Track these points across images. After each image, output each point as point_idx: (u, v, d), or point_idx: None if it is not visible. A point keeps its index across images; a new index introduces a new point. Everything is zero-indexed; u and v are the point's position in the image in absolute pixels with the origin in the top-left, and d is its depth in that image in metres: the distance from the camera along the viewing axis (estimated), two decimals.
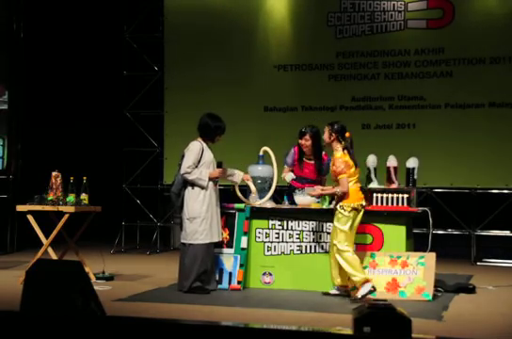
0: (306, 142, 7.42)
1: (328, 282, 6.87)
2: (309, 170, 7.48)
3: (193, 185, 6.93)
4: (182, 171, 6.93)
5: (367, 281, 6.57)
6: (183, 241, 7.00)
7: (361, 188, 6.84)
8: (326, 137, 6.80)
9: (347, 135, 6.74)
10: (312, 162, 7.50)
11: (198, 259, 6.86)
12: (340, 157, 6.66)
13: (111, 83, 11.32)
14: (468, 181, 9.58)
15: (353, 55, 10.09)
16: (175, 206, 7.15)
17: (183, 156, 7.07)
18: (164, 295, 6.84)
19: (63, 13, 11.43)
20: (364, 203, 6.74)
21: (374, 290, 6.55)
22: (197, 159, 6.93)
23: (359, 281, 6.57)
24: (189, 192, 6.94)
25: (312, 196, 7.00)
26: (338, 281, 6.76)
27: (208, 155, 7.02)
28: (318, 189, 6.92)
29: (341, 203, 6.66)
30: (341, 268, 6.66)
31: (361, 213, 6.71)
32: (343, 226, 6.62)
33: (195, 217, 6.89)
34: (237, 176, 7.23)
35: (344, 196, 6.65)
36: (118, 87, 10.99)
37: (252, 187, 7.29)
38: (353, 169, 6.70)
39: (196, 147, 7.00)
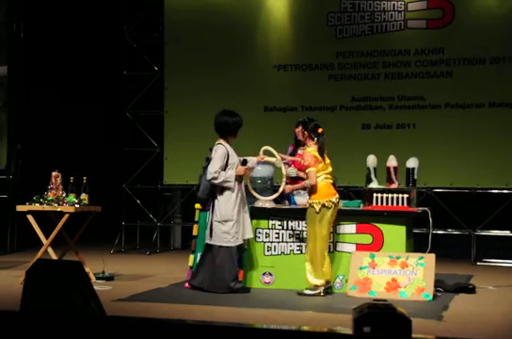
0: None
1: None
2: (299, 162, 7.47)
3: (222, 188, 6.92)
4: (208, 177, 6.87)
5: (317, 286, 6.74)
6: (210, 242, 6.95)
7: (334, 184, 6.92)
8: (300, 135, 7.02)
9: (320, 130, 6.86)
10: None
11: (233, 260, 6.91)
12: (309, 152, 6.78)
13: (111, 83, 11.32)
14: (468, 181, 9.58)
15: (353, 55, 10.08)
16: (206, 210, 7.11)
17: (207, 159, 7.04)
18: (164, 295, 6.84)
19: (63, 13, 11.43)
20: (335, 200, 6.78)
21: (322, 295, 6.72)
22: (223, 163, 6.90)
23: (310, 283, 6.75)
24: (220, 196, 6.93)
25: (288, 193, 7.10)
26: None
27: (233, 157, 6.99)
28: (288, 187, 7.01)
29: (310, 201, 6.75)
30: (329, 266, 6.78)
31: (332, 210, 6.77)
32: (311, 222, 6.74)
33: (227, 219, 6.89)
34: (252, 162, 7.14)
35: (313, 191, 6.74)
36: (118, 87, 10.99)
37: (272, 159, 7.20)
38: (321, 165, 6.79)
39: (221, 151, 6.92)
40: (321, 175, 6.78)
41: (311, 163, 6.75)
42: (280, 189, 7.20)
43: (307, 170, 6.77)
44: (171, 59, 10.81)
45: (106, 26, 11.36)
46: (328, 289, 6.86)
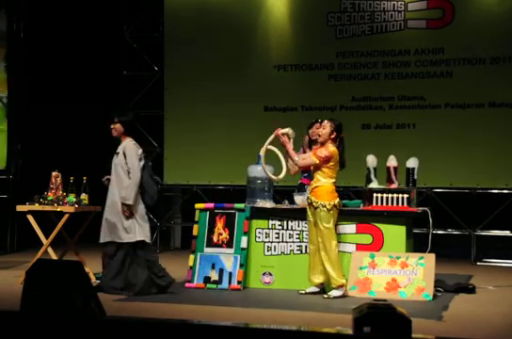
0: (317, 130, 7.26)
1: (327, 283, 6.86)
2: None
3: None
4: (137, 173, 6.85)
5: (343, 285, 6.72)
6: (149, 240, 6.89)
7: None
8: (326, 133, 6.82)
9: (343, 134, 6.84)
10: None
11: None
12: (332, 152, 6.74)
13: (111, 83, 11.31)
14: (468, 181, 9.58)
15: (353, 55, 10.08)
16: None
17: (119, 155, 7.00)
18: (164, 295, 6.83)
19: (63, 13, 11.42)
20: (338, 203, 6.82)
21: (346, 296, 6.70)
22: None
23: (335, 283, 6.71)
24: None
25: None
26: (320, 278, 6.82)
27: None
28: (288, 142, 6.87)
29: (321, 202, 6.71)
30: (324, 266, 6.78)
31: (338, 211, 6.81)
32: (327, 224, 6.71)
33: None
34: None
35: (324, 193, 6.69)
36: (118, 87, 10.98)
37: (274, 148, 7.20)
38: (332, 163, 6.75)
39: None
40: (333, 178, 6.79)
41: (322, 157, 6.68)
42: (284, 169, 7.15)
43: (311, 155, 6.75)
44: (171, 59, 10.81)
45: (106, 26, 11.35)
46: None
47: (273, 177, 7.14)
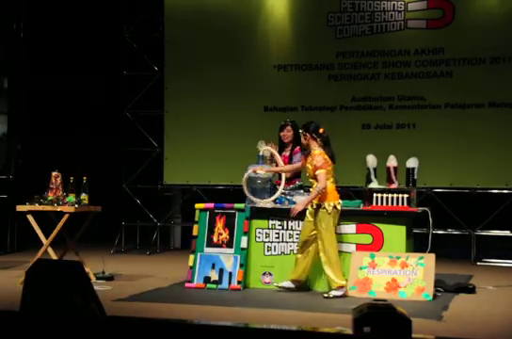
0: (288, 133, 7.60)
1: (327, 282, 6.87)
2: (285, 163, 7.49)
3: None
4: None
5: (343, 286, 6.73)
6: None
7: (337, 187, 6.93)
8: (302, 139, 6.93)
9: (321, 130, 6.82)
10: (288, 153, 7.56)
11: None
12: (319, 154, 6.75)
13: (111, 83, 11.32)
14: (468, 181, 9.58)
15: (353, 55, 10.08)
16: None
17: None
18: (164, 295, 6.84)
19: (63, 13, 11.42)
20: (339, 204, 6.80)
21: (346, 296, 6.71)
22: None
23: (335, 285, 6.73)
24: None
25: (299, 210, 6.82)
26: (297, 275, 6.88)
27: None
28: (301, 204, 6.82)
29: (320, 203, 6.74)
30: (308, 265, 6.85)
31: (338, 213, 6.80)
32: (326, 225, 6.73)
33: None
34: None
35: (323, 194, 6.71)
36: (118, 87, 10.99)
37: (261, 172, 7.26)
38: (331, 167, 6.78)
39: None
40: (329, 178, 6.78)
41: (323, 165, 6.70)
42: (278, 193, 7.21)
43: (317, 172, 6.69)
44: (171, 59, 10.81)
45: (106, 26, 11.35)
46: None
47: (259, 202, 7.24)
